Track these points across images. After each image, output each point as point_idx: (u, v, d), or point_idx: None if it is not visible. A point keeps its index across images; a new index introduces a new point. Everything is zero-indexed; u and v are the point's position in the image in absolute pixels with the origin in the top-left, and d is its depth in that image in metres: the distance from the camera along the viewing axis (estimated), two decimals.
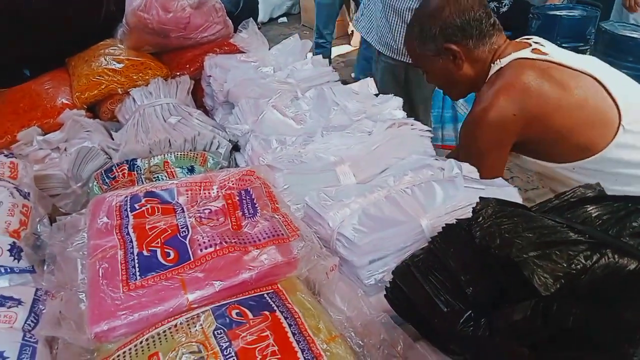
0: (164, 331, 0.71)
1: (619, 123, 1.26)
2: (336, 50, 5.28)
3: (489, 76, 1.36)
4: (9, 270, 0.81)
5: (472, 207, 0.74)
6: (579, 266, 0.56)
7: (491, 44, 1.36)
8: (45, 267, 0.85)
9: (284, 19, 6.21)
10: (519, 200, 0.98)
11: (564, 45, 3.16)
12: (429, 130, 1.24)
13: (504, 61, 1.33)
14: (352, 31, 5.38)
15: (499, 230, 0.66)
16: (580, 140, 1.28)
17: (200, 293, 0.76)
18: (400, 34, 2.04)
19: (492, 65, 1.36)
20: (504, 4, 3.66)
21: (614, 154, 1.27)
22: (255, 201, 0.96)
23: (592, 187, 0.75)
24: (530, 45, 1.36)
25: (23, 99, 1.64)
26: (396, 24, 2.04)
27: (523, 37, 1.43)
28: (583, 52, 3.20)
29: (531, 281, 0.56)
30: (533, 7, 3.41)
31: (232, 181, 1.03)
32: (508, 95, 1.27)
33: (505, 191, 1.01)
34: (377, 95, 1.45)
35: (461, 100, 2.58)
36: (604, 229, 0.66)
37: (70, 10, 1.76)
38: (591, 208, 0.70)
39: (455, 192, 0.97)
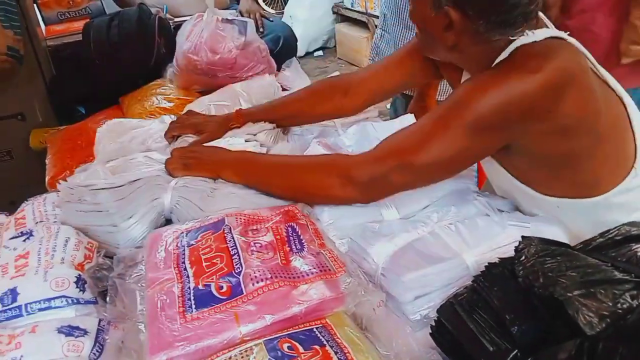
0: None
1: (633, 163, 1.05)
2: None
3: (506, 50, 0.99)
4: (75, 301, 0.86)
5: (515, 247, 0.76)
6: (624, 305, 0.57)
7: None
8: (107, 299, 0.90)
9: (320, 53, 6.35)
10: (565, 237, 0.98)
11: None
12: (471, 167, 1.26)
13: (536, 36, 0.97)
14: None
15: (542, 269, 0.68)
16: (591, 170, 1.04)
17: (252, 326, 0.79)
18: None
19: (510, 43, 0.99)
20: None
21: (614, 200, 1.05)
22: (301, 236, 1.00)
23: (637, 225, 0.75)
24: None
25: (81, 136, 1.75)
26: None
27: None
28: None
29: (576, 320, 0.57)
30: None
31: (278, 216, 1.07)
32: (558, 69, 0.93)
33: (551, 228, 1.01)
34: None
35: None
36: None
37: (125, 54, 1.88)
38: (636, 246, 0.70)
39: (500, 229, 0.99)
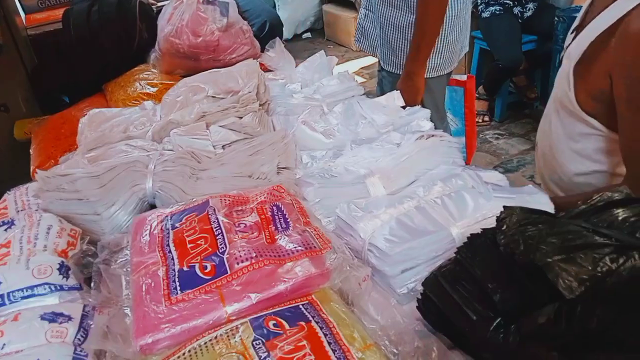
0: (205, 343, 0.75)
1: None
2: (361, 62, 5.32)
3: None
4: (58, 287, 0.86)
5: (497, 216, 0.75)
6: (604, 269, 0.57)
7: None
8: (92, 284, 0.90)
9: (308, 35, 6.30)
10: (550, 207, 0.98)
11: None
12: (457, 142, 1.25)
13: None
14: None
15: (523, 237, 0.67)
16: None
17: (238, 306, 0.79)
18: (401, 49, 2.03)
19: None
20: (527, 9, 3.63)
21: None
22: (287, 215, 0.99)
23: (620, 191, 0.75)
24: None
25: (64, 125, 1.73)
26: (396, 40, 2.05)
27: None
28: None
29: (556, 284, 0.57)
30: (558, 10, 3.36)
31: (263, 195, 1.06)
32: None
33: (536, 198, 1.01)
34: (404, 107, 1.48)
35: (451, 115, 2.47)
36: (630, 231, 0.66)
37: (106, 39, 1.85)
38: (618, 211, 0.70)
39: (486, 202, 0.98)
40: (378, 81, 2.41)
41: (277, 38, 1.78)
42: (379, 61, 2.32)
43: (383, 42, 2.12)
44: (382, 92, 2.27)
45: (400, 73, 2.05)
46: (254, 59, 1.84)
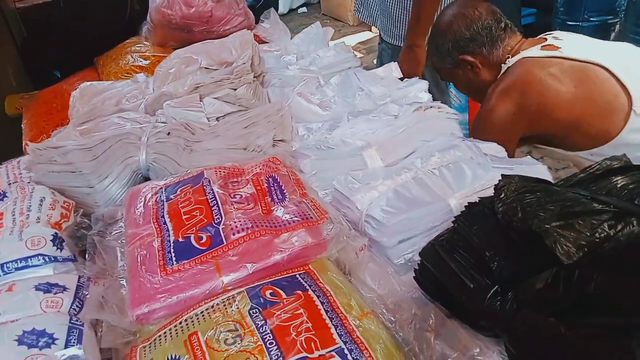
0: (202, 312, 0.74)
1: (630, 109, 1.27)
2: (357, 37, 5.25)
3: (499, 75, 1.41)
4: (52, 259, 0.85)
5: (495, 185, 0.75)
6: (602, 235, 0.57)
7: (504, 47, 1.41)
8: (86, 256, 0.89)
9: (304, 9, 6.20)
10: (549, 177, 0.97)
11: (592, 19, 3.06)
12: (455, 113, 1.24)
13: (512, 60, 1.38)
14: None
15: (521, 205, 0.67)
16: (591, 130, 1.32)
17: (234, 275, 0.79)
18: (400, 20, 2.00)
19: (502, 66, 1.42)
20: None
21: (628, 139, 1.29)
22: (283, 187, 0.99)
23: (619, 159, 0.74)
24: (546, 40, 1.39)
25: (55, 99, 1.71)
26: (396, 11, 2.01)
27: (544, 34, 1.45)
28: (612, 25, 3.08)
29: (554, 250, 0.57)
30: None
31: (259, 167, 1.05)
32: (507, 95, 1.32)
33: (534, 169, 1.00)
34: (401, 79, 1.46)
35: (454, 91, 2.52)
36: (629, 198, 0.66)
37: (97, 12, 1.81)
38: (617, 179, 0.70)
39: (484, 172, 0.98)
40: (378, 54, 2.37)
41: (272, 9, 1.74)
42: (379, 32, 2.28)
43: (383, 13, 2.09)
44: (382, 64, 2.23)
45: (401, 45, 2.02)
46: (248, 30, 1.81)
